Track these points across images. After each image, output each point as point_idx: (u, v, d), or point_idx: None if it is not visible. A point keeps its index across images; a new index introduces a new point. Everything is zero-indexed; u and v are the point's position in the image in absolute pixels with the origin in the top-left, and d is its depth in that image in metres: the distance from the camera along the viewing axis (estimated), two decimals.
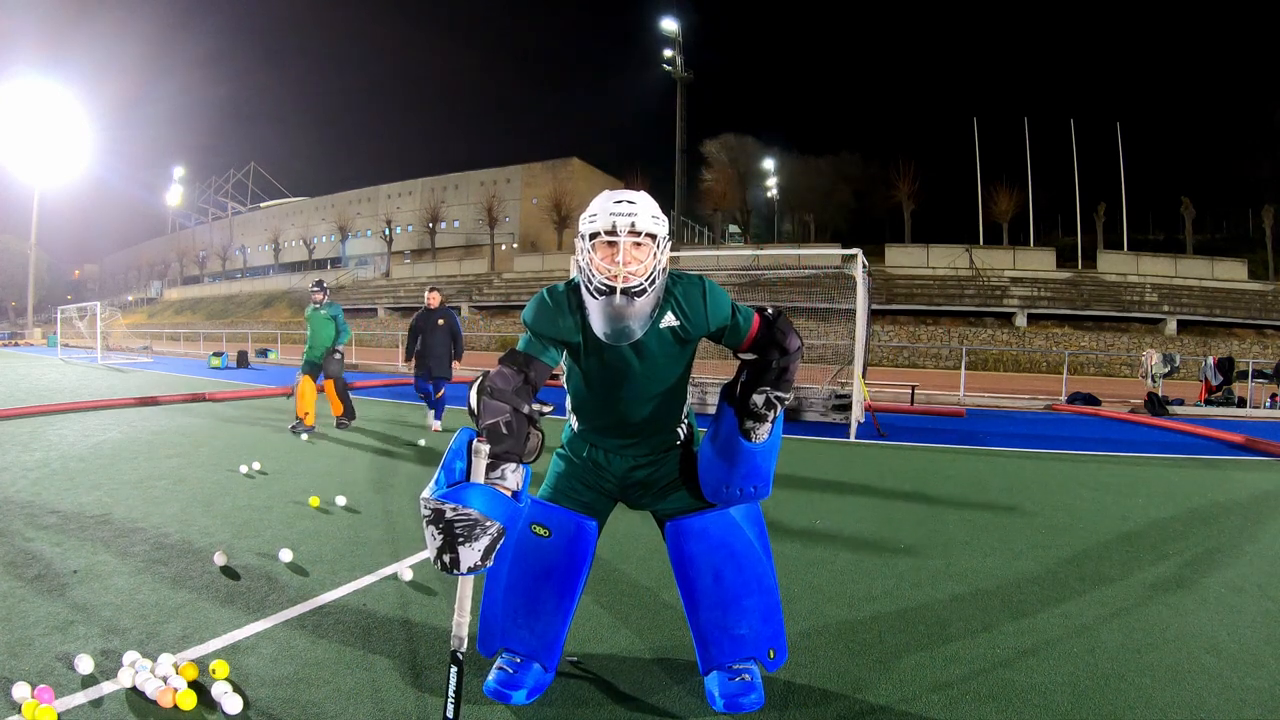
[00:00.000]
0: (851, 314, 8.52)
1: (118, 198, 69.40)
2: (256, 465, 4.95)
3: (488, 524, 1.65)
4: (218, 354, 17.78)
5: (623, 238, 1.72)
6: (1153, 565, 3.26)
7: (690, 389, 2.33)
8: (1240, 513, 4.35)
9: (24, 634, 2.25)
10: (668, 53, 47.11)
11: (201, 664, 2.04)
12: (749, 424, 1.85)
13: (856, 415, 7.71)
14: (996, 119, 40.65)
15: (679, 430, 2.05)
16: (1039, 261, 31.00)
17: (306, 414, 6.80)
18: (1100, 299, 28.10)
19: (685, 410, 2.07)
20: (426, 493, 1.67)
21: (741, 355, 1.94)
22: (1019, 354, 25.23)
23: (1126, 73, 50.33)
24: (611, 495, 2.05)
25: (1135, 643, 2.40)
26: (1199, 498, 4.73)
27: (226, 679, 1.97)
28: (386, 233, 49.69)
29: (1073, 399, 11.69)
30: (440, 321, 7.10)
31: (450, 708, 1.72)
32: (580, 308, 1.85)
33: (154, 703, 1.86)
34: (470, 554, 1.64)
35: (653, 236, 1.75)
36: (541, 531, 1.97)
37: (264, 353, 23.08)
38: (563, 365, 2.01)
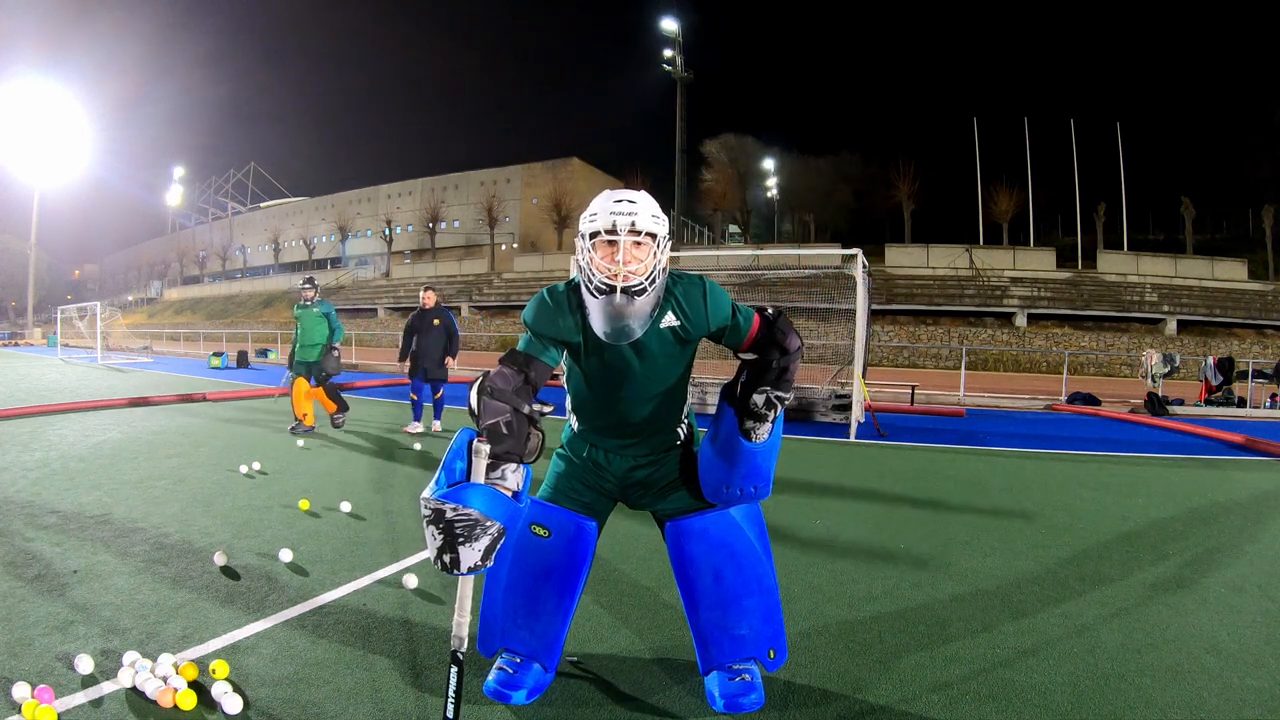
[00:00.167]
0: (851, 314, 8.52)
1: (118, 198, 69.47)
2: (256, 465, 4.95)
3: (488, 524, 1.65)
4: (218, 354, 17.79)
5: (623, 237, 1.72)
6: (1153, 565, 3.26)
7: (690, 389, 2.32)
8: (1240, 513, 4.35)
9: (24, 634, 2.25)
10: (668, 53, 47.14)
11: (201, 664, 2.04)
12: (749, 424, 1.85)
13: (856, 415, 7.71)
14: (996, 119, 40.76)
15: (679, 430, 2.05)
16: (1039, 261, 31.01)
17: (305, 415, 6.79)
18: (1100, 299, 28.10)
19: (685, 410, 2.07)
20: (427, 493, 1.67)
21: (742, 355, 1.94)
22: (1019, 354, 25.24)
23: (1126, 73, 50.42)
24: (611, 495, 2.05)
25: (1135, 643, 2.40)
26: (1199, 498, 4.73)
27: (226, 679, 1.97)
28: (386, 233, 49.68)
29: (1073, 399, 11.69)
30: (436, 321, 7.05)
31: (450, 708, 1.72)
32: (580, 307, 1.85)
33: (154, 703, 1.86)
34: (470, 554, 1.64)
35: (653, 236, 1.76)
36: (541, 532, 1.97)
37: (264, 353, 23.08)
38: (563, 365, 2.01)
